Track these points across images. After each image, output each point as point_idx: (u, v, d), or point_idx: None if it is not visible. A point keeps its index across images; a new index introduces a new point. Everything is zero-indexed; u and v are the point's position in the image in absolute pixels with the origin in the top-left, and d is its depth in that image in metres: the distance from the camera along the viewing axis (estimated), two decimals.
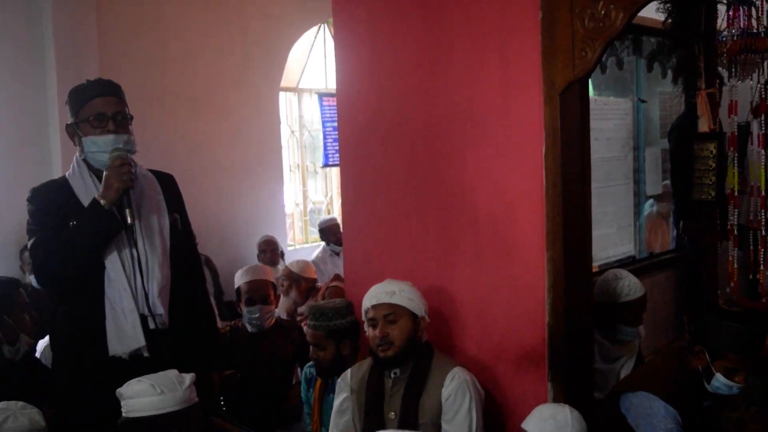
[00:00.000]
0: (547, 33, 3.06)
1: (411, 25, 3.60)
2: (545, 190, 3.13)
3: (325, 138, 8.80)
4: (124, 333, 2.96)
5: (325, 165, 8.94)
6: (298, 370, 4.67)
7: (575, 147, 3.10)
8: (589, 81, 3.26)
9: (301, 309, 5.48)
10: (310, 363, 3.83)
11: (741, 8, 4.20)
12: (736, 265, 4.45)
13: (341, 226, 4.36)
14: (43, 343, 4.22)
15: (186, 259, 3.24)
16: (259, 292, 4.43)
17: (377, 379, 3.21)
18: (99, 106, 2.99)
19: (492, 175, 3.34)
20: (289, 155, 8.89)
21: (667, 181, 5.76)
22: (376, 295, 3.18)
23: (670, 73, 5.32)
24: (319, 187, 9.55)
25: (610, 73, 5.18)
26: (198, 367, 2.89)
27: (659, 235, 6.03)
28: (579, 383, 3.21)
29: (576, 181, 3.12)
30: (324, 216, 8.64)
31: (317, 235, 8.10)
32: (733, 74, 4.33)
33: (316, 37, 9.04)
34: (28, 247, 3.03)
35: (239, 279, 4.57)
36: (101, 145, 2.98)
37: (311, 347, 3.61)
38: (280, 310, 5.75)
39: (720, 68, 4.50)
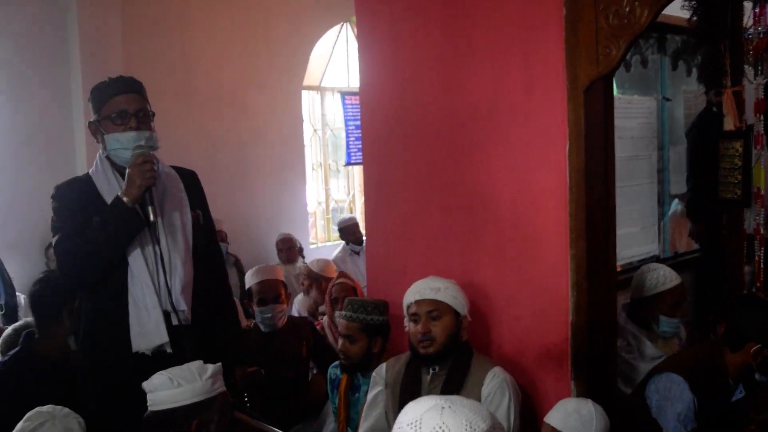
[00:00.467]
0: (571, 30, 3.04)
1: (434, 22, 3.59)
2: (569, 188, 3.11)
3: (347, 136, 8.81)
4: (147, 329, 2.97)
5: (348, 163, 8.96)
6: (313, 369, 4.68)
7: (599, 145, 3.08)
8: (613, 79, 3.24)
9: (321, 308, 5.49)
10: (335, 363, 3.83)
11: (767, 5, 4.15)
12: (762, 265, 4.39)
13: (364, 224, 4.36)
14: None
15: (208, 255, 3.24)
16: (271, 293, 4.45)
17: (414, 375, 3.20)
18: (121, 103, 3.00)
19: (515, 173, 3.32)
20: (312, 154, 8.91)
21: None
22: (420, 290, 3.17)
23: (694, 71, 5.28)
24: (342, 186, 9.56)
25: (634, 71, 5.14)
26: (221, 363, 2.90)
27: (683, 234, 5.98)
28: (602, 381, 3.19)
29: (600, 180, 3.10)
30: (344, 215, 8.65)
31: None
32: (759, 72, 4.29)
33: (338, 35, 9.05)
34: (53, 244, 3.04)
35: (250, 279, 4.61)
36: (124, 142, 2.99)
37: (341, 340, 3.62)
38: (301, 309, 5.77)
39: (746, 66, 4.45)
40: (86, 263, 2.95)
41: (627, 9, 2.88)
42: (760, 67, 4.27)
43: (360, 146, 4.31)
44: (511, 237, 3.36)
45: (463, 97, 3.49)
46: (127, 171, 2.95)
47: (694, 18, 4.35)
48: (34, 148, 6.01)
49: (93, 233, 2.92)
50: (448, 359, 3.14)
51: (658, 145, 5.30)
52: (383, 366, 3.35)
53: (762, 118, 4.22)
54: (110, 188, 3.02)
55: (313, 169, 8.92)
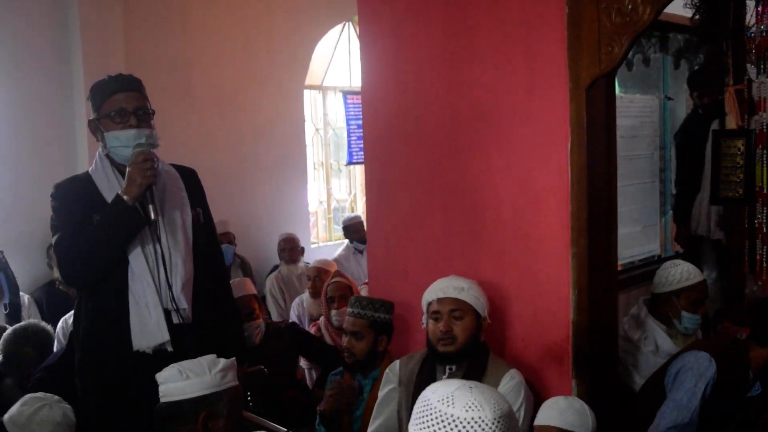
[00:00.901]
0: (573, 28, 3.04)
1: (436, 21, 3.58)
2: (570, 186, 3.11)
3: (349, 136, 8.80)
4: (148, 328, 2.96)
5: (350, 163, 8.95)
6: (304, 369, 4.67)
7: (601, 143, 3.08)
8: (615, 78, 3.23)
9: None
10: (335, 371, 3.82)
11: None
12: (765, 264, 4.38)
13: (365, 223, 4.35)
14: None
15: (208, 253, 3.24)
16: (244, 310, 4.37)
17: (429, 373, 3.18)
18: (120, 101, 3.00)
19: (516, 172, 3.32)
20: (314, 153, 8.90)
21: None
22: (443, 288, 3.15)
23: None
24: (343, 185, 9.55)
25: (636, 70, 5.12)
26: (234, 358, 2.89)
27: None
28: (603, 380, 3.19)
29: (601, 178, 3.09)
30: (348, 214, 8.64)
31: (341, 233, 8.10)
32: (762, 71, 4.28)
33: (340, 35, 9.05)
34: (52, 243, 3.04)
35: None
36: (123, 140, 2.98)
37: (346, 337, 3.61)
38: (312, 312, 5.67)
39: (748, 65, 4.44)
40: (86, 262, 2.95)
41: (629, 7, 2.87)
42: (762, 66, 4.26)
43: (362, 146, 4.31)
44: (512, 236, 3.36)
45: (465, 96, 3.49)
46: (127, 169, 2.95)
47: (697, 17, 4.35)
48: (35, 146, 6.01)
49: (93, 232, 2.92)
50: (465, 359, 3.13)
51: (659, 145, 5.29)
52: (396, 363, 3.34)
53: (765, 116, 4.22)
54: (110, 186, 3.02)
55: (314, 168, 8.91)
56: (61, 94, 6.13)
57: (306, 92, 8.51)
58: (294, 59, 8.12)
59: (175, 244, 3.05)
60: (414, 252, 3.78)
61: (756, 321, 3.28)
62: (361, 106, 4.11)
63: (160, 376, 2.62)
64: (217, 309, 3.23)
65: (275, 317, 6.41)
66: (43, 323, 4.37)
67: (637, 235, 5.03)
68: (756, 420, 3.18)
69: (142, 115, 3.02)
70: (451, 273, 3.43)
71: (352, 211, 9.10)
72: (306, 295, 5.82)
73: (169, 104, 6.50)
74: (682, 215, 5.39)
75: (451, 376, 3.12)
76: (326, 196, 9.08)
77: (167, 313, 2.99)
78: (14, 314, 5.18)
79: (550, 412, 2.81)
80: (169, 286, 2.99)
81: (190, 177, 3.27)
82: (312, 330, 5.05)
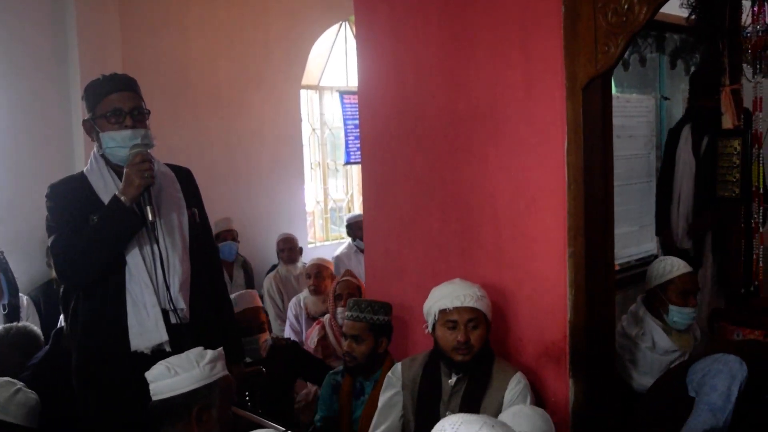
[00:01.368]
0: (570, 27, 3.04)
1: (432, 21, 3.59)
2: (567, 186, 3.11)
3: (346, 136, 8.79)
4: (146, 328, 2.96)
5: (347, 163, 8.94)
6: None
7: (597, 143, 3.08)
8: (612, 78, 3.23)
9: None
10: (334, 371, 3.81)
11: (766, 4, 4.15)
12: (761, 263, 4.39)
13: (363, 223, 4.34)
14: None
15: (204, 253, 3.24)
16: (255, 321, 4.38)
17: (433, 377, 3.18)
18: (115, 101, 2.99)
19: (513, 171, 3.32)
20: (310, 153, 8.89)
21: None
22: (459, 296, 3.09)
23: (692, 70, 5.28)
24: (340, 185, 9.55)
25: (632, 70, 5.15)
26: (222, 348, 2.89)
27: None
28: (600, 380, 3.19)
29: (598, 178, 3.09)
30: (347, 213, 8.62)
31: (338, 233, 8.09)
32: (758, 71, 4.28)
33: (337, 34, 9.04)
34: (49, 244, 3.03)
35: None
36: (119, 141, 2.98)
37: (347, 341, 3.61)
38: (313, 310, 5.65)
39: (744, 64, 4.45)
40: (83, 263, 2.94)
41: (625, 6, 2.87)
42: (758, 66, 4.27)
43: (358, 145, 4.31)
44: (509, 235, 3.36)
45: (462, 96, 3.49)
46: (125, 170, 2.94)
47: (693, 16, 4.34)
48: (33, 147, 5.99)
49: (90, 233, 2.91)
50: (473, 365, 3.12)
51: (656, 144, 5.31)
52: (398, 367, 3.32)
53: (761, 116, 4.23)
54: (106, 186, 3.02)
55: (311, 168, 8.89)
56: (58, 94, 6.11)
57: (303, 92, 8.50)
58: (291, 59, 8.11)
59: (172, 244, 3.05)
60: (411, 251, 3.78)
61: None
62: (357, 105, 4.11)
63: (149, 375, 2.63)
64: (213, 308, 3.24)
65: (273, 317, 6.39)
66: (31, 326, 4.34)
67: (634, 234, 5.05)
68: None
69: (137, 116, 3.02)
70: (448, 272, 3.44)
71: (349, 211, 9.09)
72: (306, 293, 5.80)
73: (166, 104, 6.49)
74: (662, 224, 5.28)
75: (457, 382, 3.12)
76: (323, 196, 9.07)
77: (165, 314, 2.99)
78: (13, 315, 5.16)
79: (516, 424, 2.71)
80: (167, 287, 2.99)
81: (185, 177, 3.27)
82: (316, 329, 5.03)
